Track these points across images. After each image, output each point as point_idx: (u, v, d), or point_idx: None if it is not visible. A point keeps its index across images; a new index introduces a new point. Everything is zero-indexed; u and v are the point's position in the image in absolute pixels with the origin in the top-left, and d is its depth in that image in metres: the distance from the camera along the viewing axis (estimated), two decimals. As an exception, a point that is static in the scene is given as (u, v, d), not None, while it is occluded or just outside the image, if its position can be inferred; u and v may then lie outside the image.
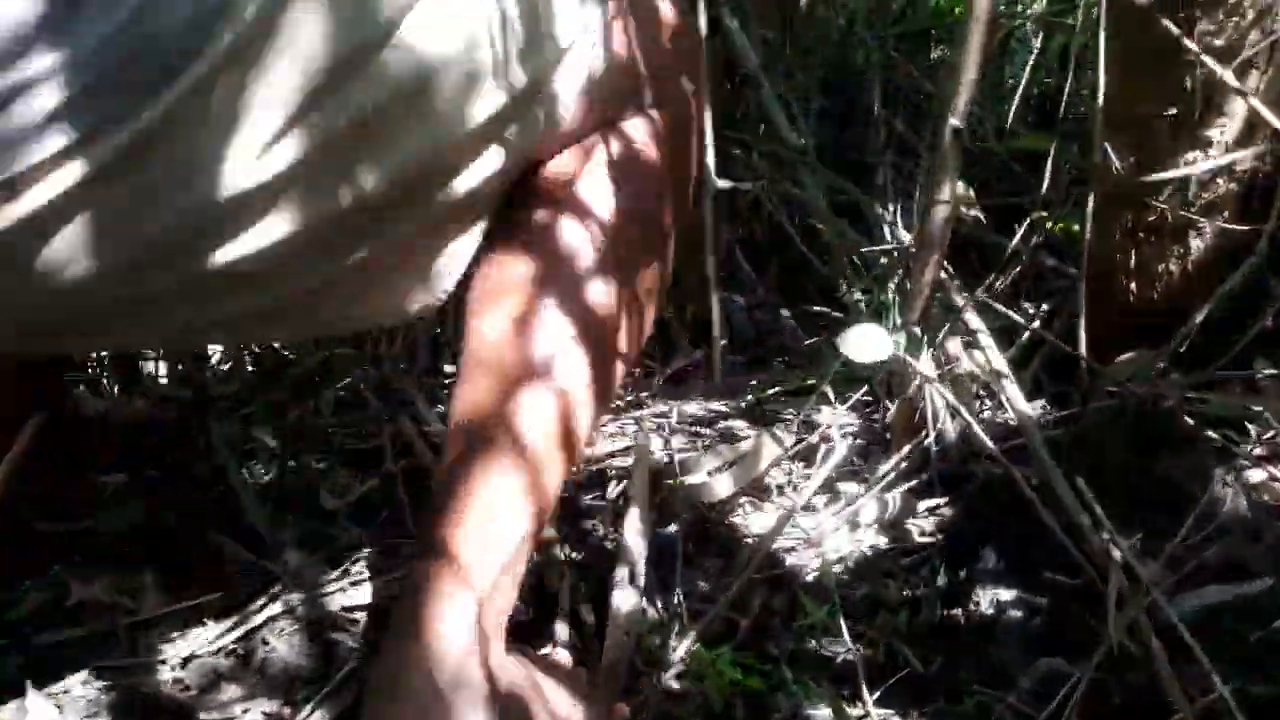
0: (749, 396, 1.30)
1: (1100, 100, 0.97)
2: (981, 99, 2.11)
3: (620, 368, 0.71)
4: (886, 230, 1.19)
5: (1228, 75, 0.86)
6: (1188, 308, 1.01)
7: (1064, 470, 0.81)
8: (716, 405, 1.31)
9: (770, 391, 1.29)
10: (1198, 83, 0.94)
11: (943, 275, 0.99)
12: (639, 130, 0.71)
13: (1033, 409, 1.02)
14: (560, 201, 0.68)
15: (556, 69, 0.66)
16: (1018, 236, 1.24)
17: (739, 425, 1.23)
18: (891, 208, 1.24)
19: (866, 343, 0.88)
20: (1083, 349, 0.97)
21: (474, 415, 0.62)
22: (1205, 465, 0.86)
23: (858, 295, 1.25)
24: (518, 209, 0.69)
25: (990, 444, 0.86)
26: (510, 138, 0.65)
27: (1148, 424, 0.88)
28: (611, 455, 1.14)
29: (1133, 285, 1.05)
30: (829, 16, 2.40)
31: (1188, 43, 0.87)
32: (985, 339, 0.99)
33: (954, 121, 0.87)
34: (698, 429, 1.23)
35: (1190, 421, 0.91)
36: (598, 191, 0.69)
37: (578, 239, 0.67)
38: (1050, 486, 0.81)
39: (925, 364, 0.96)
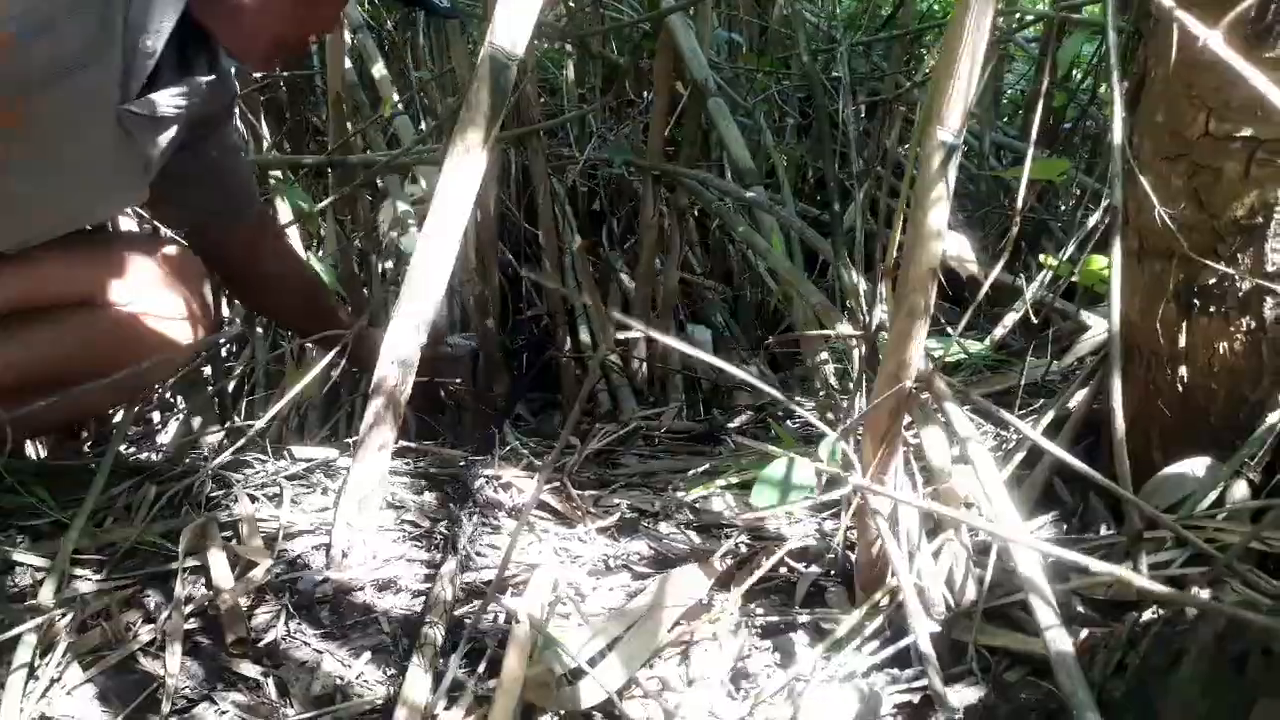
0: (679, 494, 1.03)
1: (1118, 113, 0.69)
2: (978, 109, 1.84)
3: None
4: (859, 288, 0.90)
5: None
6: (1261, 401, 0.74)
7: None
8: (643, 500, 1.04)
9: (703, 492, 1.01)
10: None
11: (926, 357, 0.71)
12: None
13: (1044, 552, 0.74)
14: None
15: None
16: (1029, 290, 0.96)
17: (665, 533, 0.95)
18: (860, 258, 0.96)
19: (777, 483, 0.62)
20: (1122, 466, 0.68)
21: None
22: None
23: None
24: None
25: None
26: None
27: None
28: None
29: (1183, 369, 0.77)
30: (807, 19, 2.14)
31: None
32: (976, 450, 0.71)
33: (944, 136, 0.60)
34: (614, 536, 0.95)
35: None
36: None
37: None
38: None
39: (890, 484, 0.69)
